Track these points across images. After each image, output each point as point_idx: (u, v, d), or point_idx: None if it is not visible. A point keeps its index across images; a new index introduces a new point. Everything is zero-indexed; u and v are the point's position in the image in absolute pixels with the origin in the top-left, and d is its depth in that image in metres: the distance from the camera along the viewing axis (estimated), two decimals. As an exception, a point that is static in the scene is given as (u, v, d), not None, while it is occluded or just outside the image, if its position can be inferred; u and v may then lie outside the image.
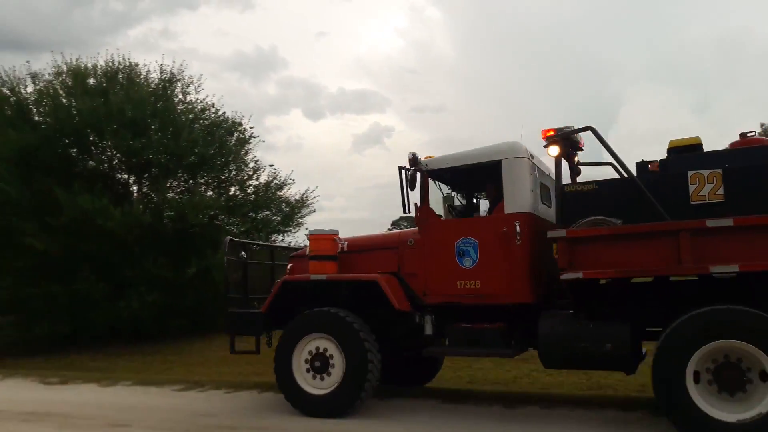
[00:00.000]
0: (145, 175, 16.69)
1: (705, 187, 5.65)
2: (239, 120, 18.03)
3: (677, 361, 5.30)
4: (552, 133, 6.31)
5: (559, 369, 7.74)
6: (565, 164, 6.83)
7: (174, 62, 17.32)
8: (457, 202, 7.57)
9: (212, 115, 17.51)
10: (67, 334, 14.51)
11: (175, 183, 17.03)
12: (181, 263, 14.82)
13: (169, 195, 16.22)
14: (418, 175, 6.93)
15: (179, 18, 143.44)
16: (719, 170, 5.62)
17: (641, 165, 6.36)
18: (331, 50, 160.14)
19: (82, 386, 9.73)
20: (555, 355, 6.17)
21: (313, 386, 6.91)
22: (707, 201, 5.62)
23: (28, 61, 45.88)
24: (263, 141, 40.17)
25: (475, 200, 7.82)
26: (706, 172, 5.66)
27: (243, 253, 8.26)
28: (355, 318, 6.77)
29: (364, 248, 7.51)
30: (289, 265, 7.95)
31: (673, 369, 5.31)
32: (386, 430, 6.35)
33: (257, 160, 18.20)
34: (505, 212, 6.48)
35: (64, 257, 14.51)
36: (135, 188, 16.97)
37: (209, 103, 17.61)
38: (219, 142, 16.89)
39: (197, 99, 17.55)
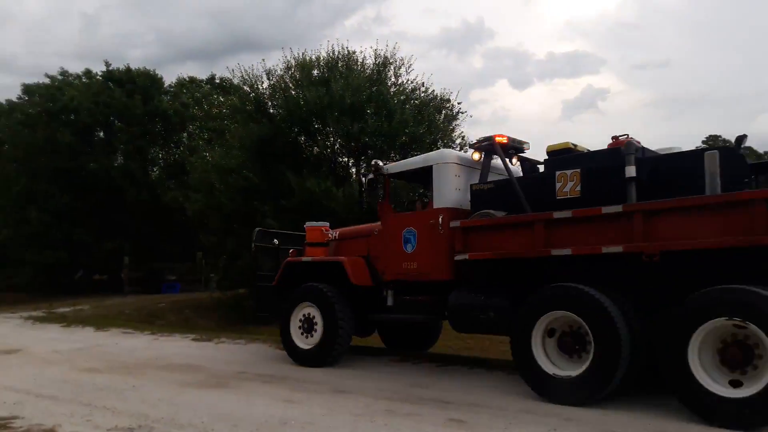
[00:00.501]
0: (362, 158, 17.72)
1: (567, 184, 6.72)
2: (447, 96, 18.17)
3: (527, 327, 6.63)
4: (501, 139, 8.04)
5: (464, 333, 8.88)
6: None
7: (387, 46, 18.02)
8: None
9: (422, 95, 17.89)
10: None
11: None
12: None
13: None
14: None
15: (390, 2, 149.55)
16: (578, 170, 6.68)
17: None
18: (539, 15, 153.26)
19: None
20: (458, 321, 7.80)
21: (304, 343, 9.13)
22: (568, 197, 6.71)
23: (263, 60, 51.75)
24: (470, 116, 39.98)
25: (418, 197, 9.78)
26: (569, 172, 6.72)
27: (276, 240, 10.35)
28: (331, 290, 8.76)
29: (346, 236, 9.64)
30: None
31: (524, 333, 6.63)
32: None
33: (464, 136, 18.21)
34: (433, 207, 8.13)
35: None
36: (353, 170, 18.14)
37: (419, 82, 18.02)
38: (428, 120, 17.21)
39: (408, 80, 18.07)
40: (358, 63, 18.21)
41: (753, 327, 5.12)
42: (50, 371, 9.28)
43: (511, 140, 8.15)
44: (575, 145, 7.59)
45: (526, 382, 6.76)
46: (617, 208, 6.14)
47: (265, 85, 18.81)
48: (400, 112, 16.71)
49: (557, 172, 6.89)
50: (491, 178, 8.10)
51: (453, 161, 8.28)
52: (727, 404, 5.22)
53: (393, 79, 18.10)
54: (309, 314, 9.06)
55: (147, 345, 12.30)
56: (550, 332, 6.66)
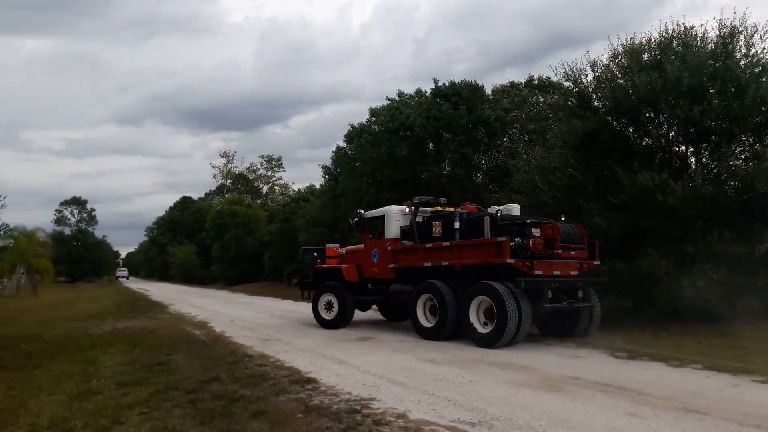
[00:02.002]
0: (704, 145, 15.45)
1: (438, 228, 13.23)
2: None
3: (414, 300, 13.21)
4: (416, 199, 14.48)
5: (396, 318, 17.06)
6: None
7: (734, 14, 15.33)
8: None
9: (783, 65, 14.72)
10: (630, 309, 14.84)
11: (738, 149, 15.17)
12: (750, 238, 13.07)
13: (732, 163, 14.53)
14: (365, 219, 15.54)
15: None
16: (440, 222, 13.30)
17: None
18: None
19: (648, 363, 9.76)
20: (393, 299, 14.38)
21: (327, 316, 15.35)
22: (436, 235, 13.22)
23: (587, 52, 49.38)
24: None
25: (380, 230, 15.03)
26: (438, 222, 13.35)
27: (315, 253, 17.59)
28: (341, 285, 15.15)
29: (348, 252, 16.12)
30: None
31: (413, 304, 13.28)
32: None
33: None
34: (385, 237, 14.61)
35: (625, 234, 14.89)
36: (693, 160, 15.93)
37: (778, 50, 14.87)
38: (795, 94, 14.05)
39: (763, 49, 15.09)
40: (697, 38, 15.95)
41: (490, 300, 11.38)
42: (398, 358, 10.29)
43: (422, 201, 14.52)
44: (443, 207, 14.73)
45: (414, 329, 13.18)
46: (448, 243, 12.71)
47: (590, 78, 17.89)
48: (754, 87, 14.05)
49: (433, 222, 13.47)
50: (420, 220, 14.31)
51: (395, 213, 14.79)
52: (481, 336, 11.57)
53: (744, 51, 15.33)
54: (329, 300, 15.41)
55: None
56: (424, 304, 12.97)
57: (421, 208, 14.33)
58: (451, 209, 14.14)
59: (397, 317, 16.75)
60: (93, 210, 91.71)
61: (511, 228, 11.88)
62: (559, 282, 11.70)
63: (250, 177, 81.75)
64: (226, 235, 56.13)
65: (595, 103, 18.02)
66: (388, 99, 32.71)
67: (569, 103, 18.67)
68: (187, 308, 24.30)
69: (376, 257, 14.74)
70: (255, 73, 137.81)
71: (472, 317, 11.69)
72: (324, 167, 42.41)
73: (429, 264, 13.01)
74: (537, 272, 11.37)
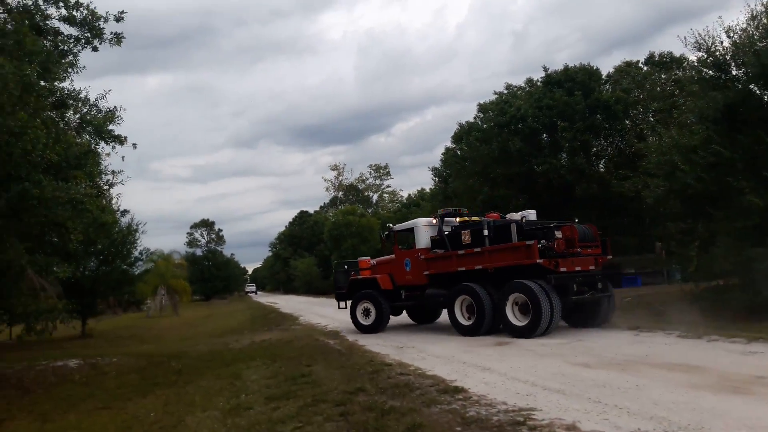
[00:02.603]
0: None
1: (467, 237, 14.40)
2: None
3: (452, 302, 14.48)
4: (441, 211, 16.22)
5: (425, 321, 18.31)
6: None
7: None
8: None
9: None
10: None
11: None
12: None
13: None
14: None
15: None
16: (469, 230, 14.54)
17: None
18: None
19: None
20: (429, 303, 15.88)
21: (365, 322, 16.67)
22: (466, 242, 14.37)
23: (719, 17, 45.38)
24: None
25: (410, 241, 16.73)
26: (467, 231, 14.55)
27: (346, 266, 19.65)
28: (377, 293, 16.55)
29: (380, 263, 17.27)
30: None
31: (451, 305, 14.45)
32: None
33: None
34: (416, 247, 16.02)
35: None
36: None
37: None
38: None
39: None
40: None
41: (525, 297, 12.75)
42: (545, 363, 9.60)
43: (447, 213, 16.20)
44: (470, 217, 16.25)
45: (454, 328, 14.51)
46: (479, 249, 14.07)
47: (725, 44, 16.14)
48: None
49: (462, 231, 14.78)
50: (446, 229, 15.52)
51: (424, 225, 16.10)
52: (519, 328, 12.87)
53: None
54: (366, 307, 16.64)
55: (630, 341, 11.72)
56: (461, 305, 14.27)
57: (445, 219, 15.88)
58: (477, 218, 15.91)
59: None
60: (220, 230, 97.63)
61: (536, 232, 13.42)
62: (581, 276, 13.55)
63: (360, 187, 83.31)
64: (342, 245, 57.34)
65: (735, 72, 16.26)
66: (495, 93, 31.81)
67: (704, 75, 16.97)
68: (316, 318, 24.83)
69: (408, 266, 16.19)
70: (356, 85, 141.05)
71: (509, 312, 13.13)
72: (433, 169, 42.19)
73: (463, 269, 14.35)
74: (562, 269, 12.97)
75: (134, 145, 14.78)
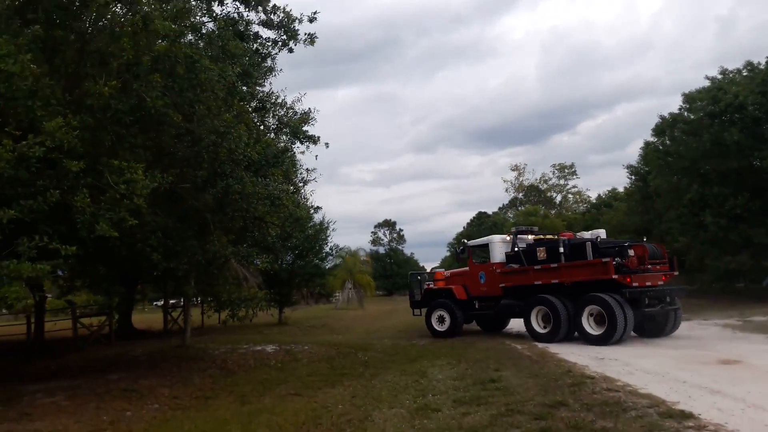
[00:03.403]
0: None
1: (541, 253, 15.63)
2: None
3: (528, 312, 15.60)
4: (514, 229, 17.66)
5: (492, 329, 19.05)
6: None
7: None
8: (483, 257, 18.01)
9: None
10: None
11: None
12: None
13: None
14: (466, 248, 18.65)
15: None
16: (544, 247, 15.78)
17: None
18: None
19: None
20: (504, 313, 17.20)
21: (440, 328, 18.03)
22: (542, 258, 15.60)
23: None
24: None
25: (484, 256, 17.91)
26: (541, 248, 15.81)
27: (419, 276, 20.84)
28: (452, 302, 17.81)
29: (454, 275, 18.88)
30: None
31: (527, 315, 15.62)
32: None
33: None
34: (491, 261, 17.20)
35: None
36: None
37: None
38: None
39: None
40: None
41: (600, 308, 13.87)
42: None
43: (519, 230, 17.78)
44: (544, 236, 17.99)
45: (530, 336, 15.55)
46: (556, 265, 15.23)
47: None
48: None
49: (537, 248, 16.06)
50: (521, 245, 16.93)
51: (498, 241, 17.53)
52: (595, 337, 13.92)
53: None
54: (441, 314, 18.05)
55: None
56: (537, 314, 15.48)
57: (519, 236, 17.24)
58: (551, 236, 17.98)
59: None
60: (401, 230, 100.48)
61: (610, 250, 14.77)
62: (652, 290, 14.52)
63: (542, 187, 79.92)
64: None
65: None
66: (707, 78, 28.02)
67: None
68: (498, 321, 23.86)
69: (482, 278, 17.50)
70: (538, 84, 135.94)
71: (584, 323, 14.33)
72: (629, 167, 38.64)
73: (539, 282, 15.59)
74: (634, 284, 14.11)
75: (326, 145, 15.26)
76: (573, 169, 77.94)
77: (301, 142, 14.66)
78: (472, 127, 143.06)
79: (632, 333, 14.68)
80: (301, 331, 23.33)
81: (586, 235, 17.14)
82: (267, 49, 13.02)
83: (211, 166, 10.78)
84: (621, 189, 44.96)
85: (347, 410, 8.52)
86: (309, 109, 15.70)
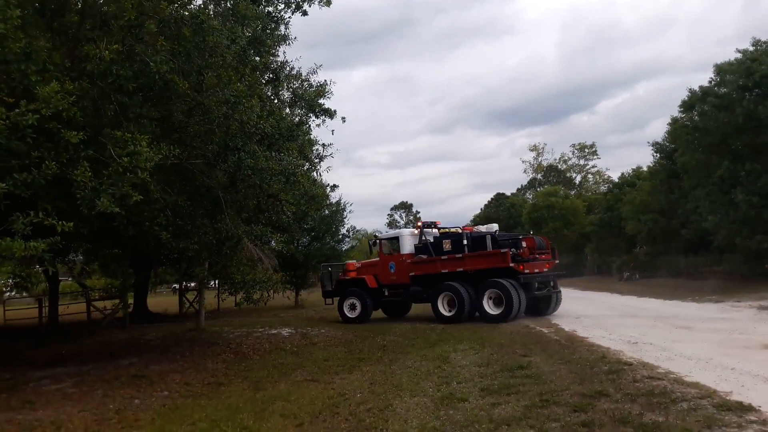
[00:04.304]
0: None
1: (448, 245, 17.52)
2: None
3: (436, 298, 17.27)
4: (419, 224, 19.24)
5: (414, 303, 19.71)
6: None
7: None
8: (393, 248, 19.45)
9: None
10: None
11: None
12: None
13: None
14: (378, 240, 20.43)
15: None
16: (450, 240, 17.69)
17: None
18: None
19: None
20: (413, 298, 18.75)
21: (351, 314, 19.12)
22: (447, 249, 17.49)
23: None
24: None
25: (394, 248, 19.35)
26: (447, 240, 17.70)
27: (330, 268, 21.57)
28: (363, 291, 19.14)
29: (365, 266, 20.19)
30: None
31: (435, 301, 17.36)
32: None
33: None
34: (401, 253, 18.71)
35: None
36: None
37: None
38: None
39: None
40: None
41: (499, 292, 16.02)
42: None
43: (425, 224, 19.13)
44: (450, 228, 19.50)
45: (436, 318, 17.12)
46: (461, 255, 17.09)
47: None
48: None
49: (443, 240, 17.84)
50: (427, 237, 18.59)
51: (407, 234, 19.19)
52: (494, 316, 16.01)
53: None
54: (353, 302, 19.26)
55: None
56: (443, 299, 17.04)
57: (425, 230, 18.80)
58: (455, 230, 19.54)
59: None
60: (417, 212, 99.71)
61: (505, 242, 17.07)
62: (540, 276, 17.00)
63: (561, 168, 78.53)
64: (543, 228, 54.35)
65: None
66: (738, 50, 26.80)
67: None
68: (519, 303, 23.25)
69: (393, 268, 18.87)
70: (557, 63, 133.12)
71: (485, 304, 16.37)
72: (654, 144, 37.41)
73: (446, 271, 17.32)
74: (526, 271, 16.28)
75: (343, 119, 14.64)
76: (593, 149, 76.33)
77: (317, 116, 14.02)
78: (490, 107, 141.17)
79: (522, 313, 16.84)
80: (317, 314, 22.90)
81: (482, 229, 19.35)
82: (279, 12, 12.26)
83: (222, 140, 10.20)
84: (644, 168, 43.78)
85: (366, 398, 8.00)
86: (325, 81, 15.03)
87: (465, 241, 17.21)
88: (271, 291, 16.37)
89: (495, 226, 19.43)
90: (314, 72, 15.17)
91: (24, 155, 6.91)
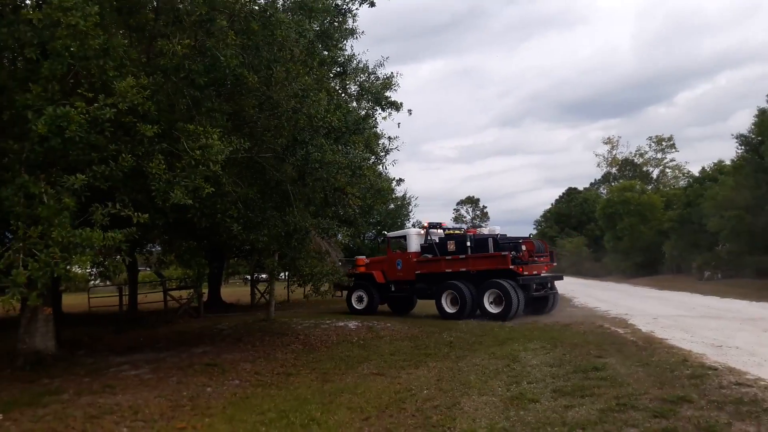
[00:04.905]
0: None
1: (452, 246, 18.28)
2: None
3: (440, 295, 17.94)
4: (425, 224, 20.02)
5: (420, 300, 20.29)
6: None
7: None
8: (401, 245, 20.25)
9: None
10: None
11: None
12: None
13: None
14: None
15: None
16: (454, 240, 18.51)
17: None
18: None
19: None
20: (418, 294, 19.43)
21: (358, 306, 20.06)
22: (451, 250, 18.23)
23: None
24: None
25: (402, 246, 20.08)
26: (452, 241, 18.48)
27: (339, 263, 21.16)
28: (370, 285, 19.96)
29: (373, 262, 20.99)
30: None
31: (439, 298, 17.97)
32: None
33: None
34: (408, 251, 19.47)
35: None
36: None
37: None
38: None
39: None
40: None
41: (499, 292, 16.75)
42: None
43: (431, 225, 19.82)
44: (454, 230, 20.65)
45: (440, 314, 17.76)
46: (464, 256, 17.83)
47: None
48: None
49: (448, 241, 18.58)
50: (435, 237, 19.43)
51: (414, 234, 19.84)
52: (494, 314, 16.63)
53: None
54: (360, 294, 20.13)
55: None
56: (447, 297, 17.73)
57: (430, 230, 19.62)
58: (459, 231, 20.72)
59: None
60: (485, 207, 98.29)
61: (507, 244, 17.62)
62: (538, 278, 17.74)
63: (637, 161, 75.29)
64: (618, 224, 52.35)
65: None
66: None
67: None
68: (592, 302, 22.43)
69: (399, 265, 19.62)
70: (632, 53, 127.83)
71: (486, 303, 17.01)
72: (739, 137, 35.19)
73: (449, 270, 18.05)
74: (525, 273, 17.05)
75: (409, 111, 14.54)
76: (671, 142, 72.67)
77: (383, 109, 13.94)
78: (562, 99, 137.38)
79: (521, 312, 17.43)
80: (383, 307, 22.93)
81: (485, 231, 20.77)
82: (347, 4, 12.23)
83: (291, 134, 10.30)
84: (727, 162, 41.29)
85: (433, 395, 7.85)
86: (391, 73, 14.94)
87: (468, 243, 18.07)
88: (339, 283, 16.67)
89: (498, 229, 20.76)
90: (381, 65, 15.13)
91: (102, 148, 7.17)
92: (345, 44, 13.70)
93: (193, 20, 7.87)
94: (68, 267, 6.29)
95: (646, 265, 50.74)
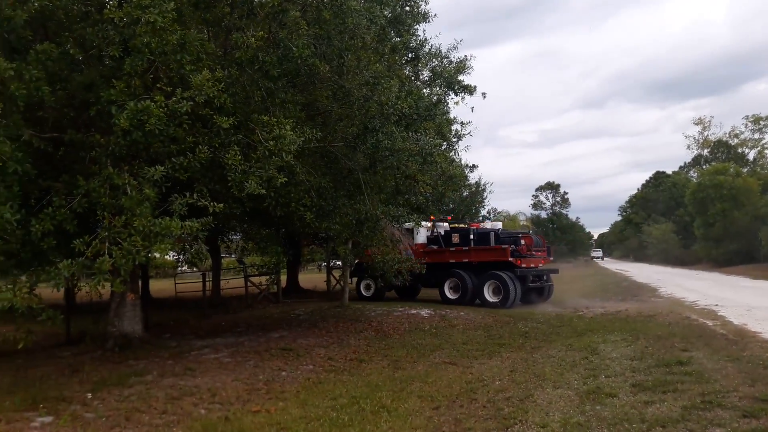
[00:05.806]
0: None
1: (456, 238, 19.58)
2: None
3: (443, 283, 19.43)
4: (431, 218, 20.50)
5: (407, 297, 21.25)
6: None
7: None
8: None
9: None
10: None
11: None
12: None
13: None
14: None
15: None
16: (458, 234, 19.82)
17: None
18: None
19: None
20: (424, 283, 20.06)
21: (366, 293, 21.20)
22: (456, 242, 19.55)
23: None
24: None
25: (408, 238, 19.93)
26: (456, 234, 19.78)
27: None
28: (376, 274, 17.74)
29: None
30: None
31: (442, 286, 19.48)
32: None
33: None
34: (416, 242, 20.09)
35: None
36: None
37: None
38: None
39: None
40: None
41: (498, 282, 18.04)
42: None
43: (438, 219, 20.79)
44: (458, 224, 22.17)
45: (442, 300, 19.03)
46: (467, 248, 19.20)
47: None
48: None
49: (453, 234, 19.93)
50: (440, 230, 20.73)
51: (423, 227, 19.99)
52: (492, 303, 17.91)
53: None
54: (368, 282, 20.92)
55: None
56: (449, 284, 19.20)
57: (437, 224, 20.63)
58: (464, 225, 22.01)
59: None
60: (566, 193, 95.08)
61: (506, 239, 19.28)
62: (535, 270, 19.26)
63: (732, 143, 70.52)
64: (709, 210, 49.36)
65: None
66: None
67: None
68: (680, 292, 21.31)
69: (409, 255, 19.81)
70: (728, 27, 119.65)
71: (486, 293, 18.33)
72: None
73: (453, 261, 19.29)
74: (523, 266, 18.47)
75: (483, 95, 14.22)
76: (770, 121, 67.54)
77: (456, 93, 13.72)
78: (649, 78, 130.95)
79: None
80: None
81: (488, 226, 22.39)
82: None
83: (362, 122, 10.33)
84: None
85: (505, 386, 7.70)
86: (465, 56, 14.66)
87: (471, 236, 19.49)
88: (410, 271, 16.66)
89: (499, 224, 23.11)
90: (455, 48, 14.88)
91: (181, 140, 7.46)
92: (417, 29, 13.57)
93: (266, 12, 8.02)
94: (149, 254, 6.61)
95: (740, 253, 47.56)
